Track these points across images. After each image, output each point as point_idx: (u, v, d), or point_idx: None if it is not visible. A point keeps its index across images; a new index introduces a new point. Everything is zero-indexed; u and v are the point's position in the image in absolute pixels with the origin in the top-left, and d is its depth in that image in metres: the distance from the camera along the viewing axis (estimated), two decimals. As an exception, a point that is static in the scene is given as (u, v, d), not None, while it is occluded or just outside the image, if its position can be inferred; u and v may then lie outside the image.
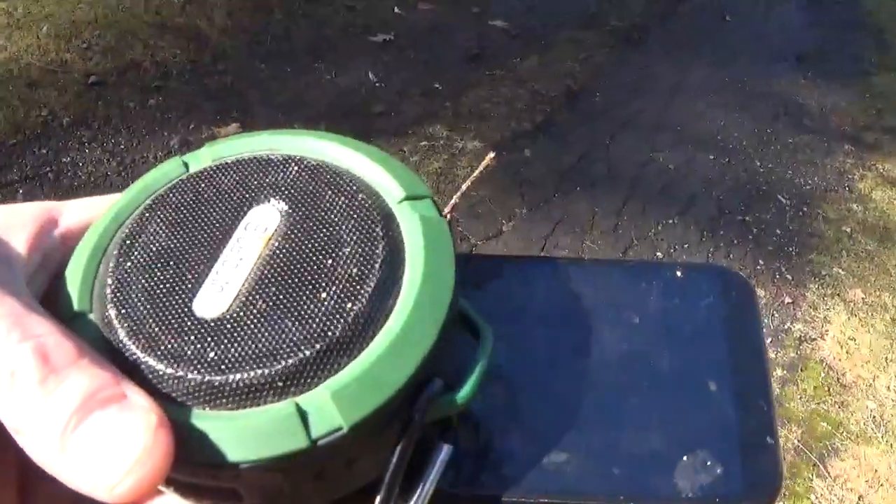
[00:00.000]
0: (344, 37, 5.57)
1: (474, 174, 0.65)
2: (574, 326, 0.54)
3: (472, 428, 0.46)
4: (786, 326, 3.85)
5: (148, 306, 0.39)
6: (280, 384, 0.36)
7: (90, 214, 0.45)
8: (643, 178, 4.63)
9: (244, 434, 0.34)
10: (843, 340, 3.82)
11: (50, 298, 0.41)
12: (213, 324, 0.38)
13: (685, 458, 0.48)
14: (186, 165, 0.47)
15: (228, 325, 0.37)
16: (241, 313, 0.38)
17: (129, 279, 0.40)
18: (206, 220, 0.42)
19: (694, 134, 5.13)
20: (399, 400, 0.36)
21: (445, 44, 5.70)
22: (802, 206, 4.68)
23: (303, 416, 0.35)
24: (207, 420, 0.35)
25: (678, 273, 0.57)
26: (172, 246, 0.41)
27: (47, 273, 0.42)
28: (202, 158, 0.47)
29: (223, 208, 0.42)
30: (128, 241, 0.42)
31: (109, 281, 0.40)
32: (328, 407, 0.35)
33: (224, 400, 0.36)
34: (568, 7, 6.51)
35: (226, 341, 0.37)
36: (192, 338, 0.37)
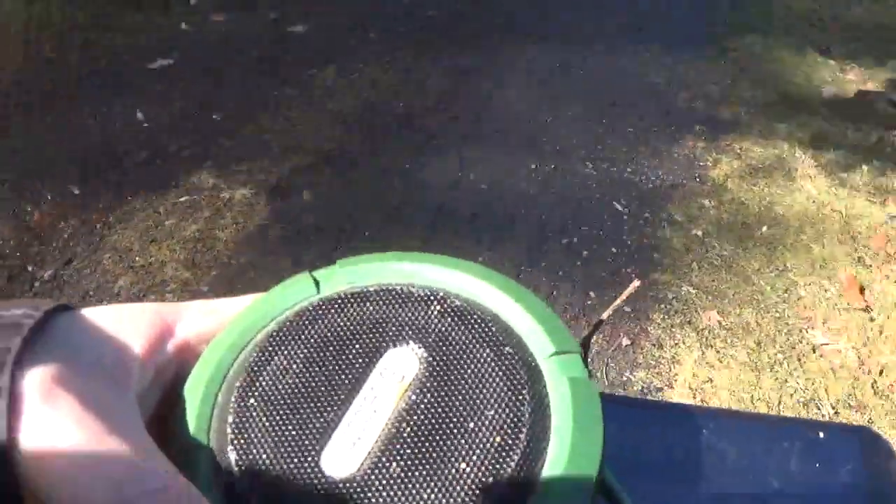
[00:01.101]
0: (117, 67, 4.81)
1: (617, 302, 0.58)
2: (708, 485, 0.55)
3: None
4: (624, 378, 3.21)
5: (272, 455, 0.37)
6: None
7: (209, 326, 0.44)
8: (449, 205, 3.94)
9: None
10: (696, 385, 3.19)
11: (160, 420, 0.41)
12: (343, 485, 0.36)
13: None
14: (318, 284, 0.46)
15: (360, 490, 0.36)
16: (374, 477, 0.36)
17: (252, 418, 0.39)
18: (339, 358, 0.40)
19: (514, 139, 4.48)
20: None
21: (234, 62, 4.97)
22: (643, 211, 4.05)
23: None
24: None
25: (820, 434, 0.58)
26: (301, 385, 0.40)
27: (159, 390, 0.43)
28: (335, 279, 0.46)
29: (358, 347, 0.41)
30: (252, 373, 0.40)
31: (230, 418, 0.39)
32: None
33: None
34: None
35: None
36: (320, 500, 0.36)
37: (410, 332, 0.42)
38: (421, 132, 4.46)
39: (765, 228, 4.03)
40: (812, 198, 4.35)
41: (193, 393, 0.41)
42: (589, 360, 0.42)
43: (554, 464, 0.37)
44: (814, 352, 3.37)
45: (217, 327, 0.44)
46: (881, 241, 4.14)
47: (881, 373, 3.30)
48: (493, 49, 5.28)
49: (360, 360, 0.41)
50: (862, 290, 3.81)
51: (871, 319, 3.64)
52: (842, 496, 0.52)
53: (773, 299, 3.66)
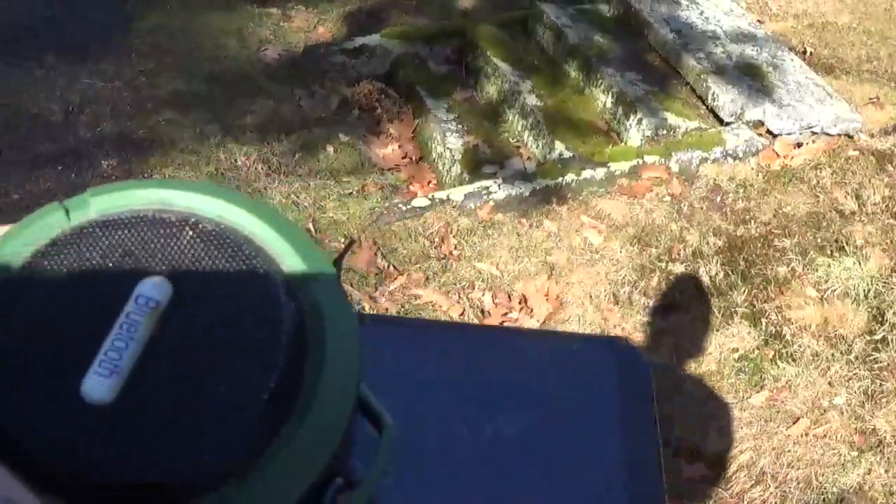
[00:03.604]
0: None
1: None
2: (465, 400, 0.57)
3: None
4: None
5: (33, 386, 0.38)
6: (180, 487, 0.36)
7: None
8: None
9: None
10: None
11: None
12: (105, 413, 0.37)
13: None
14: (68, 214, 0.46)
15: (121, 415, 0.37)
16: (135, 404, 0.37)
17: (9, 350, 0.39)
18: (91, 289, 0.41)
19: None
20: (303, 502, 0.37)
21: None
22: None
23: None
24: None
25: (574, 345, 0.62)
26: (56, 317, 0.40)
27: None
28: (86, 208, 0.46)
29: (112, 276, 0.41)
30: (6, 305, 0.40)
31: None
32: None
33: (118, 500, 0.35)
34: None
35: (120, 437, 0.36)
36: (83, 428, 0.36)
37: (163, 259, 0.42)
38: None
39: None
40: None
41: None
42: (340, 278, 0.41)
43: (313, 383, 0.39)
44: None
45: None
46: (368, 254, 3.32)
47: None
48: None
49: (114, 291, 0.40)
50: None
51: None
52: (595, 400, 0.56)
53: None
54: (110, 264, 0.42)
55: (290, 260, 0.44)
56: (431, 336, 0.60)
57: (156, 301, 0.40)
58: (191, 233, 0.43)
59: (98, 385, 0.37)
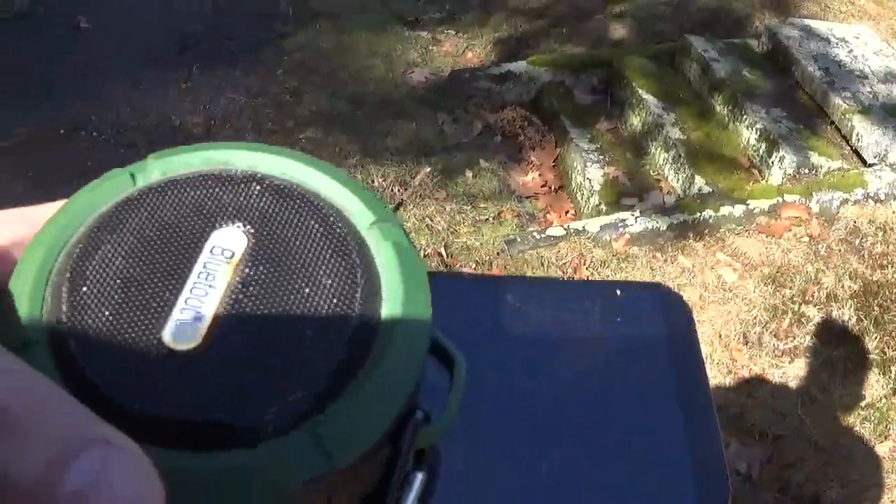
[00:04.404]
0: None
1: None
2: (522, 348, 0.63)
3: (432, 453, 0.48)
4: None
5: (114, 337, 0.39)
6: (267, 427, 0.37)
7: (21, 232, 0.45)
8: None
9: (228, 478, 0.36)
10: None
11: None
12: (189, 358, 0.38)
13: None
14: (134, 178, 0.47)
15: (206, 359, 0.38)
16: (219, 348, 0.39)
17: (87, 306, 0.40)
18: (166, 242, 0.43)
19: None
20: (386, 437, 0.39)
21: None
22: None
23: (291, 460, 0.37)
24: (189, 461, 0.36)
25: (618, 292, 0.67)
26: (132, 270, 0.42)
27: None
28: (149, 171, 0.47)
29: (184, 230, 0.43)
30: (80, 263, 0.42)
31: (64, 308, 0.40)
32: (316, 453, 0.37)
33: (205, 441, 0.37)
34: None
35: (207, 380, 0.38)
36: (168, 373, 0.38)
37: (234, 211, 0.43)
38: None
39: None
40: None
41: (19, 291, 0.40)
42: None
43: (389, 324, 0.40)
44: None
45: (31, 231, 0.43)
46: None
47: None
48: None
49: (188, 242, 0.42)
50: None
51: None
52: (644, 344, 0.62)
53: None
54: (182, 219, 0.43)
55: (357, 211, 0.45)
56: (483, 288, 0.64)
57: (231, 251, 0.41)
58: (258, 187, 0.45)
59: (181, 331, 0.38)
